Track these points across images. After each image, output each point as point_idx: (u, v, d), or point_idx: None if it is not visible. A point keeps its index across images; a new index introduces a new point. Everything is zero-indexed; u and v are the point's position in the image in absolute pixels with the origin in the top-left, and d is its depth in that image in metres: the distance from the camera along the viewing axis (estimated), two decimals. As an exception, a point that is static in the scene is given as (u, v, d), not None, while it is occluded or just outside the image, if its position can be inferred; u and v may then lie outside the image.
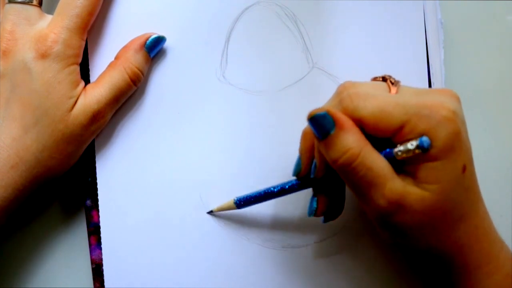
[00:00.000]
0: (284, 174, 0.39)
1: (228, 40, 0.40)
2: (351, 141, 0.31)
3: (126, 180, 0.39)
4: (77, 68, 0.37)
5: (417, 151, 0.30)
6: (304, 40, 0.40)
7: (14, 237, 0.40)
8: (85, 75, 0.39)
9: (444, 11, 0.41)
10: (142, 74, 0.38)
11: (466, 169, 0.31)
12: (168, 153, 0.39)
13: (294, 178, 0.36)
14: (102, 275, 0.39)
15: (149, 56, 0.39)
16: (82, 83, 0.37)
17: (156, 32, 0.39)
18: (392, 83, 0.33)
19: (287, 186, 0.36)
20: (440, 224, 0.31)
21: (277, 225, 0.39)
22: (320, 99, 0.39)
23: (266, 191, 0.37)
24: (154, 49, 0.39)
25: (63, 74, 0.36)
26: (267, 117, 0.40)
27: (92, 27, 0.38)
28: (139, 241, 0.39)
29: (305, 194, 0.38)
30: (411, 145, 0.30)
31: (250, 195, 0.37)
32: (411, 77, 0.40)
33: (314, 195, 0.36)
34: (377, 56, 0.40)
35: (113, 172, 0.39)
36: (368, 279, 0.39)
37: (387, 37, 0.40)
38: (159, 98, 0.40)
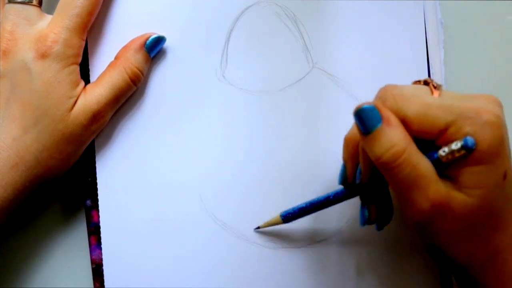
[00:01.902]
0: (284, 173, 0.39)
1: (228, 40, 0.40)
2: (397, 137, 0.30)
3: (126, 180, 0.39)
4: (77, 68, 0.37)
5: (462, 151, 0.29)
6: (304, 40, 0.40)
7: (14, 237, 0.40)
8: (85, 75, 0.39)
9: (444, 11, 0.41)
10: (142, 74, 0.38)
11: (507, 176, 0.31)
12: (168, 153, 0.39)
13: (340, 187, 0.36)
14: (102, 275, 0.39)
15: (149, 56, 0.39)
16: (82, 83, 0.37)
17: (156, 32, 0.39)
18: (435, 87, 0.32)
19: (332, 196, 0.35)
20: (480, 231, 0.31)
21: (277, 225, 0.39)
22: (320, 99, 0.40)
23: (312, 203, 0.36)
24: (154, 49, 0.39)
25: (63, 74, 0.36)
26: (267, 117, 0.40)
27: (92, 27, 0.38)
28: (139, 241, 0.39)
29: (308, 193, 0.39)
30: (456, 145, 0.30)
31: (295, 209, 0.37)
32: (411, 77, 0.39)
33: (363, 205, 0.36)
34: (377, 56, 0.40)
35: (113, 172, 0.39)
36: (368, 279, 0.39)
37: (387, 37, 0.40)
38: (159, 98, 0.40)
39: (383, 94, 0.32)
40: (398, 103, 0.31)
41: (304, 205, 0.37)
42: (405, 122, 0.31)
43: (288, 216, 0.37)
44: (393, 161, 0.30)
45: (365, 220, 0.36)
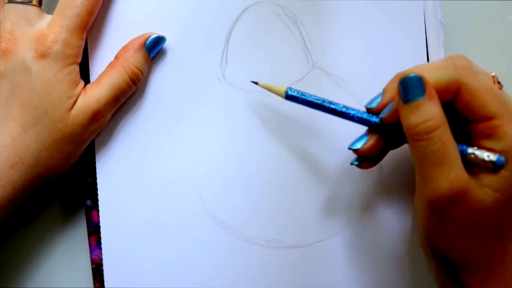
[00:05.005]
0: (284, 173, 0.39)
1: (228, 40, 0.40)
2: (436, 112, 0.31)
3: (126, 180, 0.39)
4: (77, 67, 0.37)
5: (489, 165, 0.30)
6: (304, 40, 0.40)
7: (14, 237, 0.40)
8: (85, 75, 0.39)
9: (444, 11, 0.41)
10: (142, 74, 0.38)
11: None
12: (168, 153, 0.39)
13: (362, 110, 0.35)
14: (102, 275, 0.39)
15: (149, 56, 0.39)
16: (82, 83, 0.37)
17: (156, 32, 0.39)
18: (498, 82, 0.34)
19: (346, 111, 0.35)
20: (486, 233, 0.31)
21: (277, 225, 0.39)
22: (320, 99, 0.40)
23: (323, 102, 0.35)
24: (154, 49, 0.39)
25: (62, 73, 0.36)
26: (267, 117, 0.40)
27: (92, 27, 0.38)
28: (139, 241, 0.39)
29: (308, 193, 0.38)
30: (487, 157, 0.30)
31: (304, 94, 0.36)
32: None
33: (368, 132, 0.35)
34: (377, 56, 0.40)
35: (113, 172, 0.39)
36: (368, 279, 0.39)
37: (387, 37, 0.40)
38: (159, 98, 0.40)
39: (456, 57, 0.33)
40: (467, 71, 0.32)
41: (313, 98, 0.35)
42: (459, 92, 0.31)
43: (293, 95, 0.36)
44: (426, 133, 0.30)
45: (357, 145, 0.35)
